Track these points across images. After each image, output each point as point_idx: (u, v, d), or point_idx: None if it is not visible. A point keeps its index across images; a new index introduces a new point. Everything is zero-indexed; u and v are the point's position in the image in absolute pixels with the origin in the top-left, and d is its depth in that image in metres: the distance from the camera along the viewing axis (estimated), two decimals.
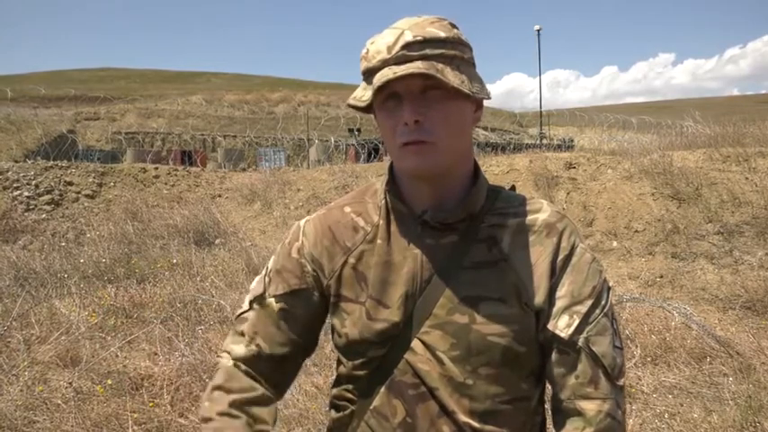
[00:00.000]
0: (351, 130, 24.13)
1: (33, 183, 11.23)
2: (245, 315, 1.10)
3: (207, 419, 1.02)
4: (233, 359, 1.07)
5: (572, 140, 26.75)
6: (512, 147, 20.08)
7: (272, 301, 1.08)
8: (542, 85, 28.33)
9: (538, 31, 26.79)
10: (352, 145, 21.15)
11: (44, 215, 10.74)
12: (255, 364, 1.07)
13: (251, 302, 1.10)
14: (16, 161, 13.21)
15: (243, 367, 1.06)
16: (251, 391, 1.04)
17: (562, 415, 1.00)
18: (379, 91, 0.93)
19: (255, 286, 1.12)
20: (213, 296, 5.67)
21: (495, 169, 10.14)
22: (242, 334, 1.08)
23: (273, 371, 1.08)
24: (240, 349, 1.07)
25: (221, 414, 1.01)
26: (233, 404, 1.02)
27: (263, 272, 1.13)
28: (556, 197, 9.00)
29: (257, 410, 1.03)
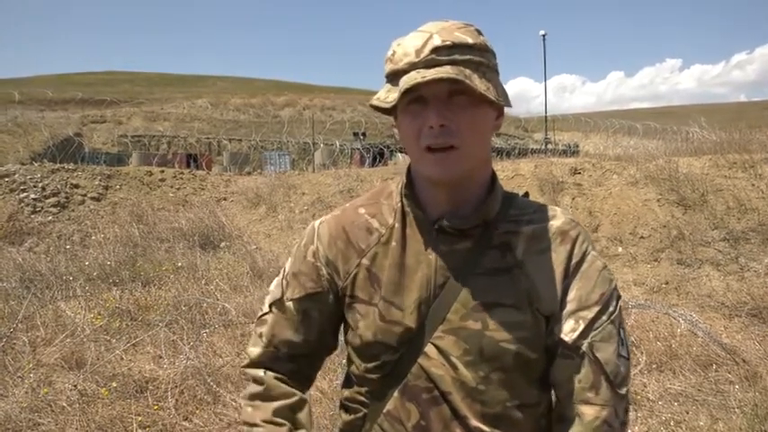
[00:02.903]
0: (356, 134, 24.18)
1: (40, 185, 11.27)
2: (264, 317, 1.13)
3: (251, 425, 1.06)
4: (257, 364, 1.11)
5: (577, 146, 26.73)
6: (516, 152, 20.05)
7: (290, 304, 1.10)
8: (548, 90, 28.32)
9: (543, 36, 26.85)
10: (358, 149, 21.19)
11: (50, 217, 10.77)
12: (277, 366, 1.10)
13: (270, 305, 1.13)
14: (23, 164, 13.24)
15: (273, 374, 1.10)
16: (291, 397, 1.08)
17: (562, 418, 1.01)
18: (405, 94, 0.93)
19: (274, 289, 1.14)
20: (218, 299, 5.68)
21: (500, 174, 9.99)
22: (261, 336, 1.12)
23: (293, 371, 1.11)
24: (257, 350, 1.11)
25: (266, 422, 1.06)
26: (276, 412, 1.06)
27: (281, 274, 1.15)
28: (561, 202, 8.96)
29: (300, 416, 1.08)
